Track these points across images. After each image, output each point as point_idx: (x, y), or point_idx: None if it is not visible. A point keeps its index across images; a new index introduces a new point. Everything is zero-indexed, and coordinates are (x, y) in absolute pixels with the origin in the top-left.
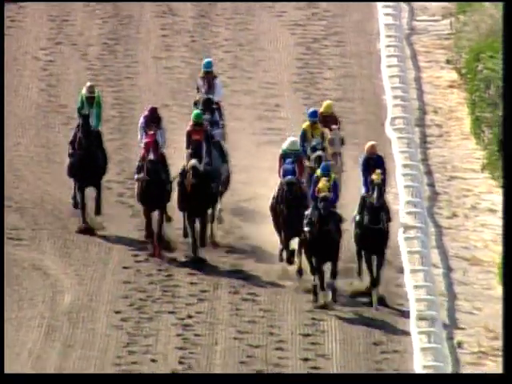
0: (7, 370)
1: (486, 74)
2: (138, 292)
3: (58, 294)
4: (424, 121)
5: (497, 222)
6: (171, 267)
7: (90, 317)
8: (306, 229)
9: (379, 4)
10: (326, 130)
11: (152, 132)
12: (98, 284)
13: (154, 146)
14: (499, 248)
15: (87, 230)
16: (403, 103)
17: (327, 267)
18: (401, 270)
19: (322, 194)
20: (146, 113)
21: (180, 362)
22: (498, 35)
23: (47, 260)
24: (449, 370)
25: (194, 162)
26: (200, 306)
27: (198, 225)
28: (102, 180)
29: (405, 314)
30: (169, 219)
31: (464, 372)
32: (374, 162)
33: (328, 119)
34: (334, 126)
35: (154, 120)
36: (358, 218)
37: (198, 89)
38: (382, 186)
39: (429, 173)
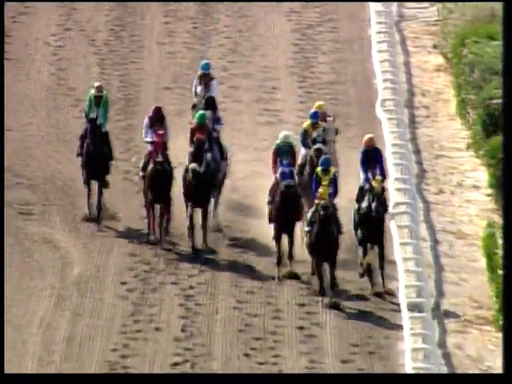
0: (19, 337)
1: (471, 58)
2: (142, 264)
3: (67, 266)
4: (412, 102)
5: (481, 197)
6: (174, 241)
7: (98, 287)
8: (306, 228)
9: None
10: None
11: (161, 132)
12: (104, 256)
13: (162, 146)
14: (483, 222)
15: (92, 219)
16: (393, 86)
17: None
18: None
19: (322, 202)
20: (151, 113)
21: (182, 330)
22: (482, 21)
23: (57, 234)
24: (436, 337)
25: (194, 165)
26: (201, 277)
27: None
28: (105, 177)
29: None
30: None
31: (450, 340)
32: (372, 154)
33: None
34: (329, 118)
35: (158, 119)
36: (356, 206)
37: (195, 93)
38: (381, 196)
39: (417, 151)
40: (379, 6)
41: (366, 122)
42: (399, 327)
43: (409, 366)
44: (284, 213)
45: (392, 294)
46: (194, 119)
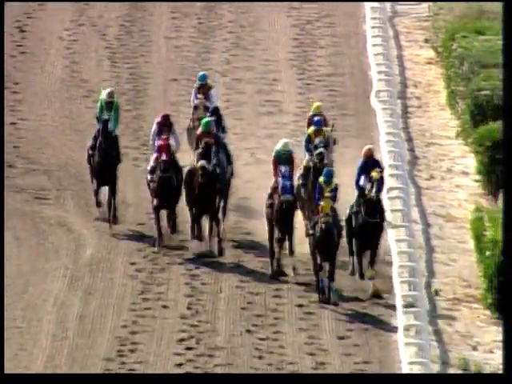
0: (34, 315)
1: (460, 52)
2: (151, 246)
3: (80, 248)
4: (405, 93)
5: (470, 183)
6: (181, 225)
7: (109, 268)
8: (310, 232)
9: None
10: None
11: (165, 136)
12: (115, 239)
13: (166, 148)
14: (472, 206)
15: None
16: (387, 78)
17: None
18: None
19: (324, 219)
20: (159, 119)
21: (188, 308)
22: (470, 17)
23: (71, 217)
24: (427, 315)
25: (203, 162)
26: (206, 258)
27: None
28: (117, 181)
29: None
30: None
31: (441, 321)
32: (371, 165)
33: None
34: (326, 129)
35: (166, 125)
36: (354, 209)
37: (195, 108)
38: (380, 182)
39: (409, 139)
40: (374, 3)
41: (361, 111)
42: (393, 305)
43: (401, 342)
44: (282, 224)
45: (380, 296)
46: (200, 127)
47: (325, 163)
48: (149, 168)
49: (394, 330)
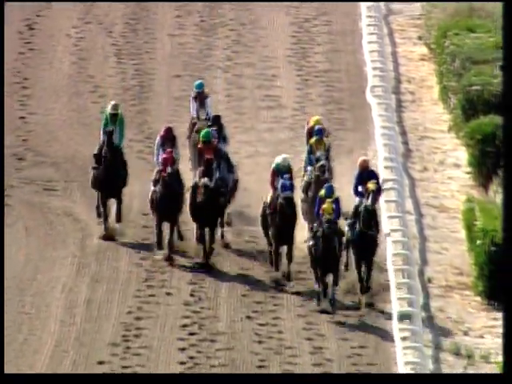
0: (43, 301)
1: (452, 48)
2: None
3: (87, 237)
4: (399, 89)
5: (461, 175)
6: (184, 217)
7: (115, 256)
8: (310, 243)
9: None
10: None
11: (170, 149)
12: (120, 227)
13: (171, 161)
14: (463, 197)
15: (109, 237)
16: (381, 74)
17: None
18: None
19: (326, 217)
20: (162, 132)
21: (191, 295)
22: (462, 16)
23: (78, 208)
24: (420, 301)
25: (205, 180)
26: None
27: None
28: (122, 192)
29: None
30: (181, 238)
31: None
32: (367, 176)
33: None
34: (327, 139)
35: (169, 138)
36: (350, 222)
37: (197, 118)
38: (376, 193)
39: (403, 133)
40: (369, 2)
41: (357, 106)
42: (387, 293)
43: (396, 327)
44: (283, 225)
45: (373, 304)
46: (200, 138)
47: (326, 177)
48: (152, 179)
49: (388, 316)
